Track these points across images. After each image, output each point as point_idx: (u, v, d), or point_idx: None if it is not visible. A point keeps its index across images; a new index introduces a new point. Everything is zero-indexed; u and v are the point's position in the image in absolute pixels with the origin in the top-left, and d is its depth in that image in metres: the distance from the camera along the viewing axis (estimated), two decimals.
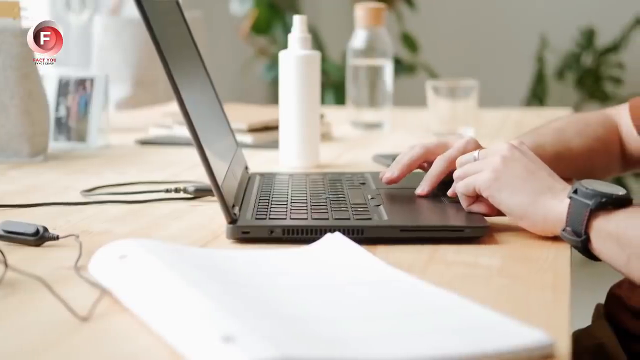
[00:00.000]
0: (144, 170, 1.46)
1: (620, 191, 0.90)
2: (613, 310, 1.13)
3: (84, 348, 0.68)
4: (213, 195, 0.99)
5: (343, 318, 0.71)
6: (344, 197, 1.10)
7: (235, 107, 1.99)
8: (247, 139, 1.67)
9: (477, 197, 1.01)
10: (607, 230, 0.88)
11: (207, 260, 0.86)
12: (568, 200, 0.91)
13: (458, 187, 1.02)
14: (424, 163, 1.15)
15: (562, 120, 1.30)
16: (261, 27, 3.62)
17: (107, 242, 0.85)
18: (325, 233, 0.95)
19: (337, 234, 0.94)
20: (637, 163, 1.32)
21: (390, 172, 1.15)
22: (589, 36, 4.19)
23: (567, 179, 1.00)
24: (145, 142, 1.73)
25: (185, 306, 0.69)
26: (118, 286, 0.77)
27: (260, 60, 3.79)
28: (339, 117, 1.99)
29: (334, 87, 3.59)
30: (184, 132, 1.68)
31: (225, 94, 1.72)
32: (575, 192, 0.91)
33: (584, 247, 0.90)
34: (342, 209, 1.04)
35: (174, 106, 1.03)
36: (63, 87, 1.66)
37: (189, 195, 1.21)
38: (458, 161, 1.06)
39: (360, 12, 1.93)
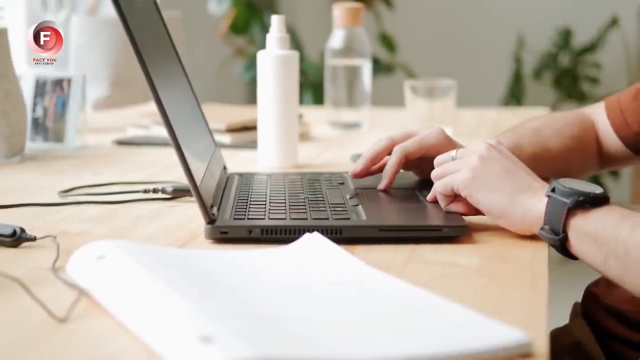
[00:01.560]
0: (122, 170, 1.45)
1: (598, 190, 0.91)
2: (590, 308, 1.14)
3: (61, 349, 0.68)
4: (191, 196, 0.99)
5: (321, 318, 0.71)
6: (322, 197, 1.10)
7: (213, 107, 1.98)
8: (226, 139, 1.67)
9: (455, 197, 1.02)
10: (584, 229, 0.88)
11: (185, 260, 0.85)
12: (546, 199, 0.91)
13: (436, 187, 1.03)
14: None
15: (540, 120, 1.31)
16: (239, 27, 3.61)
17: (85, 243, 0.85)
18: (303, 233, 0.95)
19: (316, 234, 0.94)
20: (614, 161, 1.33)
21: (354, 166, 1.15)
22: (565, 36, 4.21)
23: (545, 179, 1.00)
24: (122, 143, 1.73)
25: (163, 307, 0.69)
26: (96, 287, 0.77)
27: (238, 60, 3.78)
28: (317, 117, 2.00)
29: (312, 87, 3.59)
30: (161, 132, 1.68)
31: (203, 94, 1.72)
32: (553, 190, 0.91)
33: (562, 246, 0.90)
34: (321, 209, 1.04)
35: (152, 106, 1.03)
36: (40, 88, 1.65)
37: (167, 196, 1.20)
38: (436, 161, 1.06)
39: (338, 12, 1.93)
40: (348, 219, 1.00)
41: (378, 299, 0.76)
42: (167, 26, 1.26)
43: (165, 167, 1.46)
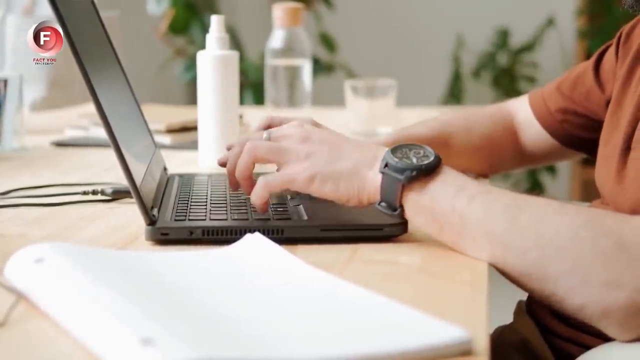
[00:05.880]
0: (61, 172, 1.44)
1: (430, 156, 0.92)
2: (534, 307, 1.15)
3: (0, 354, 0.67)
4: (131, 197, 0.98)
5: (264, 318, 0.71)
6: None
7: (153, 108, 1.97)
8: (166, 139, 1.66)
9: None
10: (421, 203, 0.91)
11: (125, 262, 0.85)
12: (381, 175, 0.93)
13: (269, 183, 0.98)
14: None
15: (453, 114, 1.33)
16: (178, 27, 3.59)
17: (23, 246, 0.84)
18: (245, 233, 0.94)
19: (257, 235, 0.93)
20: (540, 154, 1.34)
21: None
22: (503, 36, 4.26)
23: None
24: (61, 144, 1.71)
25: (103, 309, 0.68)
26: (34, 290, 0.76)
27: (177, 60, 3.76)
28: (258, 117, 1.99)
29: (252, 87, 3.58)
30: (100, 133, 1.66)
31: (142, 94, 1.71)
32: (386, 165, 0.92)
33: (401, 218, 0.94)
34: None
35: (91, 107, 1.02)
36: None
37: (107, 197, 1.19)
38: (245, 137, 1.05)
39: (278, 12, 1.93)
40: (289, 219, 1.00)
41: (320, 299, 0.76)
42: (105, 26, 1.25)
43: (104, 169, 1.45)
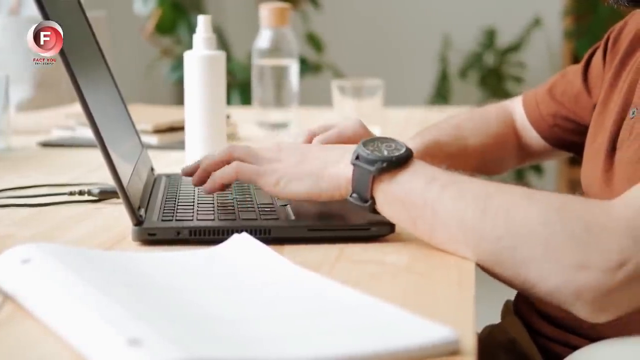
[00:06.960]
0: (47, 172, 1.43)
1: (400, 148, 0.93)
2: (522, 308, 1.15)
3: None
4: (118, 197, 0.98)
5: (251, 318, 0.71)
6: (250, 198, 1.10)
7: (140, 108, 1.97)
8: (153, 140, 1.66)
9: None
10: (392, 195, 0.92)
11: (112, 263, 0.85)
12: (352, 167, 0.94)
13: (236, 164, 1.01)
14: None
15: (462, 116, 1.33)
16: (165, 27, 3.59)
17: (10, 246, 0.84)
18: (232, 234, 0.94)
19: (244, 235, 0.93)
20: (534, 154, 1.35)
21: None
22: (490, 36, 4.27)
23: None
24: (48, 144, 1.71)
25: (90, 310, 0.68)
26: (21, 291, 0.76)
27: (164, 60, 3.76)
28: (245, 117, 1.99)
29: (240, 87, 3.58)
30: (87, 133, 1.66)
31: (129, 95, 1.71)
32: (357, 158, 0.93)
33: (372, 210, 0.94)
34: (249, 209, 1.04)
35: (77, 107, 1.02)
36: None
37: (94, 198, 1.19)
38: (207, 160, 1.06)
39: (265, 12, 1.93)
40: (277, 219, 1.00)
41: (308, 299, 0.76)
42: (92, 26, 1.25)
43: (91, 169, 1.45)
